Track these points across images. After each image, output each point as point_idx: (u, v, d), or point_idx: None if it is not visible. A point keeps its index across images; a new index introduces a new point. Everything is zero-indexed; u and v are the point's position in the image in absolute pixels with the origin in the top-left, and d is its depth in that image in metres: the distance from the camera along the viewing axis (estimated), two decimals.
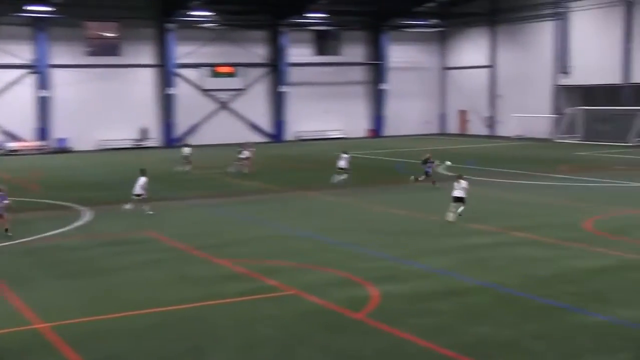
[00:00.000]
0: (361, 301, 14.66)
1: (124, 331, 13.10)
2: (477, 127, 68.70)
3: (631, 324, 13.04)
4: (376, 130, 68.05)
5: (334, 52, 66.89)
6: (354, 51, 67.61)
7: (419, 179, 31.62)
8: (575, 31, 59.62)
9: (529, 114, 61.81)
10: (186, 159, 39.98)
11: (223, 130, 61.22)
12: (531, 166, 39.39)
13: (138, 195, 25.81)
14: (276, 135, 63.71)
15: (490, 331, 12.85)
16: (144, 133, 59.29)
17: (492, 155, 47.27)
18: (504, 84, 65.98)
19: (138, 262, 18.49)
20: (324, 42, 66.58)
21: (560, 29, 60.48)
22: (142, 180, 25.92)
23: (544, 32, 62.10)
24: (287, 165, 42.50)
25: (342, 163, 33.03)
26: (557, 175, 35.48)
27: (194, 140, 56.19)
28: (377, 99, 68.16)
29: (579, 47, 59.31)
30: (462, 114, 70.70)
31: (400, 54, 68.81)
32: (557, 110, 60.99)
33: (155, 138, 59.60)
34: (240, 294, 15.24)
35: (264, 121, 63.98)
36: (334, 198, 29.29)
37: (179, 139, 57.98)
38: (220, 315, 13.90)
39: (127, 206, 25.85)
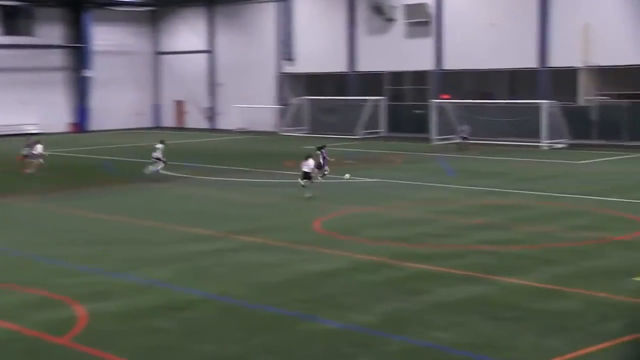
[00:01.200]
0: (66, 323, 14.05)
1: None
2: (196, 119, 69.21)
3: (365, 329, 13.78)
4: (80, 124, 65.96)
5: (27, 33, 63.74)
6: (51, 32, 64.94)
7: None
8: (299, 15, 62.26)
9: (252, 105, 63.45)
10: None
11: None
12: (255, 162, 40.38)
13: None
14: None
15: (215, 348, 12.89)
16: None
17: (213, 151, 47.89)
18: (225, 71, 67.12)
19: None
20: (13, 21, 63.11)
21: (283, 12, 62.79)
22: None
23: (266, 15, 64.13)
24: None
25: (156, 154, 34.61)
26: (283, 172, 36.68)
27: None
28: (80, 88, 66.06)
29: (303, 33, 62.01)
30: (179, 104, 70.82)
31: (107, 37, 67.30)
32: (282, 100, 63.27)
33: None
34: None
35: None
36: (32, 204, 28.06)
37: None
38: None
39: None
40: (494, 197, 28.80)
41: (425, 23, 55.26)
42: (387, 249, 20.05)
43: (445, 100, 52.76)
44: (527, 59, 50.93)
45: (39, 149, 37.28)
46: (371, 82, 58.61)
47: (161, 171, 34.94)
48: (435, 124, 51.43)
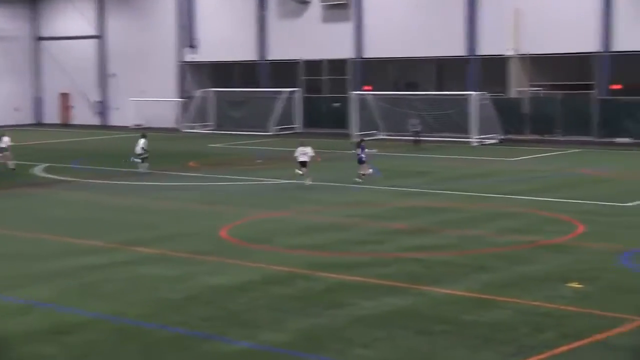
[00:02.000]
0: None
1: None
2: (84, 114, 68.24)
3: (277, 349, 13.82)
4: None
5: None
6: None
7: (363, 173, 32.86)
8: None
9: (150, 98, 62.82)
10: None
11: None
12: (154, 163, 40.00)
13: None
14: None
15: None
16: None
17: (104, 151, 47.33)
18: (117, 60, 66.32)
19: None
20: None
21: None
22: None
23: None
24: None
25: (138, 149, 37.01)
26: (186, 174, 36.52)
27: None
28: None
29: (207, 16, 61.77)
30: (64, 98, 69.69)
31: None
32: (184, 93, 62.87)
33: None
34: None
35: None
36: None
37: None
38: None
39: None
40: (421, 198, 29.23)
41: (344, 6, 55.69)
42: (302, 259, 20.14)
43: (367, 92, 53.25)
44: (455, 47, 51.81)
45: (5, 141, 38.55)
46: (284, 72, 58.72)
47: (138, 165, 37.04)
48: (357, 119, 51.84)
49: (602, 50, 47.26)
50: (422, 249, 21.04)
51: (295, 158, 32.47)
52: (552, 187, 31.05)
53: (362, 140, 34.92)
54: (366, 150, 33.96)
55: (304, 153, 32.21)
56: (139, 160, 37.35)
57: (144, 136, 38.17)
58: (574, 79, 49.20)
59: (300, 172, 31.90)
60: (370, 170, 33.08)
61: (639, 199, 27.75)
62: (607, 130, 46.82)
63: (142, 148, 37.08)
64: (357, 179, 32.62)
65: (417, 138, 47.46)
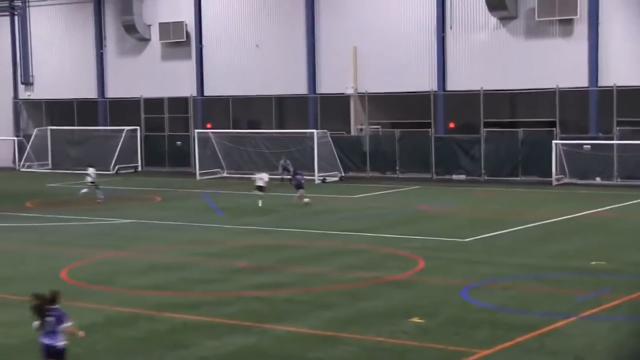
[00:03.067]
0: None
1: None
2: None
3: None
4: None
5: None
6: None
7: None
8: (38, 31, 60.55)
9: None
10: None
11: None
12: None
13: None
14: None
15: None
16: None
17: None
18: None
19: None
20: None
21: (18, 27, 60.88)
22: None
23: (0, 29, 61.93)
24: None
25: (90, 178, 39.77)
26: (23, 214, 35.49)
27: None
28: None
29: (43, 52, 60.38)
30: None
31: None
32: (21, 131, 61.18)
33: None
34: None
35: None
36: None
37: None
38: None
39: None
40: (264, 236, 29.31)
41: (184, 44, 55.58)
42: (146, 299, 19.86)
43: (209, 130, 53.15)
44: (296, 85, 52.43)
45: None
46: (124, 110, 58.00)
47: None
48: (200, 157, 51.56)
49: (437, 90, 48.82)
50: (265, 286, 21.07)
51: (253, 182, 37.74)
52: (393, 224, 31.71)
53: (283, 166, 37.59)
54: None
55: (261, 178, 37.36)
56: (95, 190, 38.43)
57: (90, 166, 39.74)
58: (412, 117, 50.59)
59: (260, 193, 36.69)
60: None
61: (476, 234, 28.65)
62: (443, 167, 48.27)
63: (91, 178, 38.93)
64: (306, 200, 36.10)
65: (285, 177, 46.18)
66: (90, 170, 40.18)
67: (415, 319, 17.50)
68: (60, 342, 13.00)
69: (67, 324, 13.09)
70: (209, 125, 54.51)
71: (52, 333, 12.95)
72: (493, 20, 47.08)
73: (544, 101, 47.02)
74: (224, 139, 52.25)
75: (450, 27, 48.29)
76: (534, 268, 23.03)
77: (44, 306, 12.98)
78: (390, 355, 15.26)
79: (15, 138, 61.00)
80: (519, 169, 46.27)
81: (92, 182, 40.03)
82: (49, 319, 12.96)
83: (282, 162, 48.63)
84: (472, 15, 47.79)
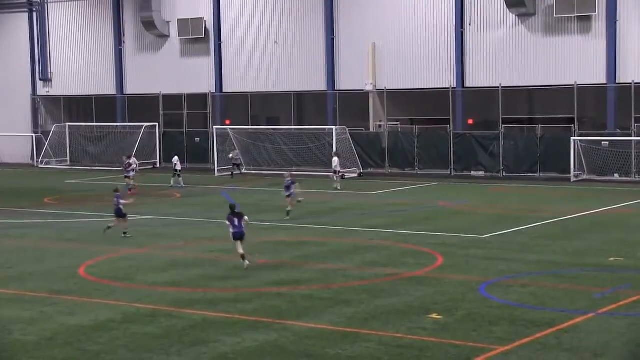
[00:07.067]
0: None
1: None
2: None
3: None
4: None
5: None
6: None
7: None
8: (56, 28, 60.81)
9: (2, 133, 61.14)
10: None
11: None
12: (7, 200, 39.05)
13: None
14: None
15: None
16: None
17: None
18: None
19: None
20: None
21: (37, 24, 61.13)
22: None
23: (16, 26, 62.27)
24: None
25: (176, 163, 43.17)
26: (41, 210, 35.64)
27: None
28: None
29: (62, 49, 60.61)
30: None
31: None
32: (39, 127, 61.43)
33: None
34: None
35: None
36: None
37: None
38: None
39: None
40: (282, 233, 29.34)
41: (203, 40, 55.65)
42: (165, 296, 19.92)
43: (228, 127, 53.23)
44: (315, 82, 52.43)
45: None
46: (143, 106, 58.11)
47: None
48: (218, 153, 51.67)
49: (456, 87, 48.71)
50: (285, 283, 21.10)
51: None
52: (412, 220, 31.68)
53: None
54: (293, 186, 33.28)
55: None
56: None
57: None
58: (431, 114, 50.52)
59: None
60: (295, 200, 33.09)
61: (495, 230, 28.61)
62: (462, 163, 48.19)
63: None
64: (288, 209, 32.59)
65: (236, 169, 49.31)
66: (175, 159, 44.16)
67: (434, 315, 17.50)
68: None
69: None
70: (227, 122, 54.56)
71: None
72: (512, 17, 46.91)
73: (562, 98, 46.88)
74: (243, 135, 52.32)
75: (469, 24, 48.18)
76: (552, 264, 22.98)
77: None
78: (410, 352, 15.27)
79: (33, 134, 61.25)
80: (537, 165, 46.15)
81: (176, 171, 43.74)
82: None
83: (231, 155, 49.35)
84: (491, 12, 47.66)
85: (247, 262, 22.59)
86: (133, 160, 43.50)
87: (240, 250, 22.67)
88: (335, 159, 42.81)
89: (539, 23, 46.55)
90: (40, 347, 15.96)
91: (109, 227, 28.12)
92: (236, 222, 22.92)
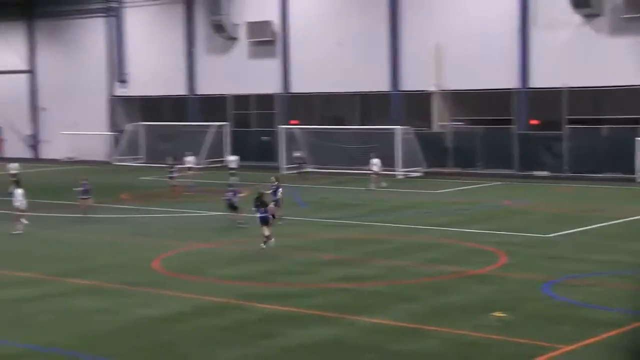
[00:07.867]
0: None
1: None
2: (16, 148, 67.02)
3: None
4: None
5: None
6: None
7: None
8: (132, 32, 61.57)
9: (81, 132, 62.08)
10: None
11: None
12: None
13: None
14: None
15: None
16: None
17: (36, 184, 46.38)
18: (49, 94, 65.48)
19: None
20: None
21: (114, 28, 61.96)
22: None
23: (94, 31, 63.06)
24: None
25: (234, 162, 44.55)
26: (118, 206, 36.09)
27: None
28: None
29: (137, 51, 61.34)
30: None
31: None
32: (115, 126, 62.26)
33: None
34: None
35: None
36: None
37: None
38: None
39: None
40: (347, 230, 29.26)
41: (270, 42, 55.82)
42: (234, 289, 20.00)
43: (294, 126, 53.34)
44: (378, 82, 52.21)
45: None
46: (213, 106, 58.51)
47: None
48: (284, 152, 51.85)
49: (520, 87, 48.09)
50: (350, 279, 21.02)
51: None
52: (476, 219, 31.37)
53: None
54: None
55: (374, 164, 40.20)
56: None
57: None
58: (494, 114, 49.93)
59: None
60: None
61: (558, 230, 28.17)
62: (526, 163, 47.57)
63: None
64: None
65: (301, 168, 49.51)
66: (232, 158, 45.95)
67: (498, 314, 17.25)
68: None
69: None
70: (294, 122, 54.64)
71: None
72: (577, 17, 46.11)
73: (628, 98, 45.95)
74: (309, 135, 52.36)
75: (534, 24, 47.51)
76: (616, 265, 22.53)
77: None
78: (474, 349, 15.08)
79: (110, 133, 62.15)
80: (601, 165, 45.33)
81: (232, 169, 44.45)
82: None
83: (299, 154, 50.53)
84: (555, 12, 46.88)
85: (269, 243, 24.77)
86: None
87: (267, 232, 24.90)
88: (375, 160, 42.77)
89: (605, 23, 45.65)
90: (117, 336, 16.13)
91: (239, 223, 29.42)
92: (262, 210, 25.24)
